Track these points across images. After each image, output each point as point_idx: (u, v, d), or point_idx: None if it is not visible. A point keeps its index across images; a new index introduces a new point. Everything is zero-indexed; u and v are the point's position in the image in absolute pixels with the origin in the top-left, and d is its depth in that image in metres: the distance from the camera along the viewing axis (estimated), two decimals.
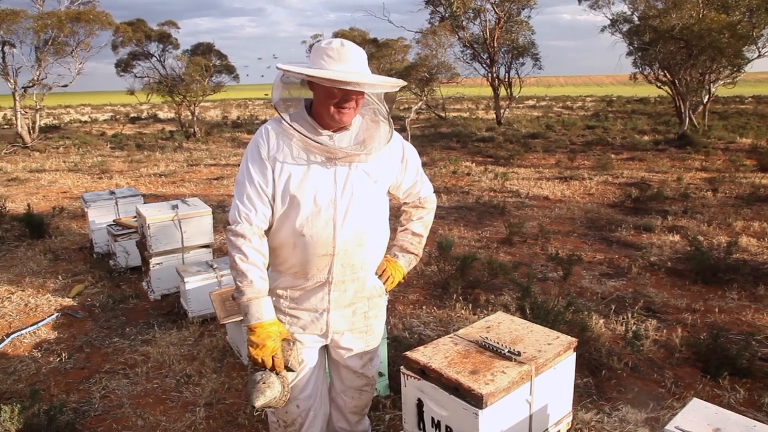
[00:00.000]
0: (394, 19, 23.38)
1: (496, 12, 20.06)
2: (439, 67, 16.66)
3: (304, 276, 1.92)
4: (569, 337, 2.05)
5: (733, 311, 4.21)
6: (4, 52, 17.24)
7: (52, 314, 4.42)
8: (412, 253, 2.22)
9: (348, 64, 1.77)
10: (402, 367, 1.98)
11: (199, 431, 2.88)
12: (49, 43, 17.36)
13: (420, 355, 1.94)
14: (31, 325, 4.23)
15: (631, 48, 16.85)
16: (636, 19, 16.70)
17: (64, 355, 3.75)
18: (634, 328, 3.72)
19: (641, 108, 31.16)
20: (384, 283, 2.10)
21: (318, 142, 1.82)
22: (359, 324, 2.05)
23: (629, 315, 4.03)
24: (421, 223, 2.24)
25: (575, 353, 2.05)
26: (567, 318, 3.56)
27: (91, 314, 4.45)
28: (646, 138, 16.05)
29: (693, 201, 8.03)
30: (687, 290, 4.68)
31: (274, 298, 1.97)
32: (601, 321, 3.93)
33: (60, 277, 5.28)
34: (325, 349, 2.14)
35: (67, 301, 4.70)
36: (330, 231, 1.86)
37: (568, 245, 6.06)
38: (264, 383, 1.78)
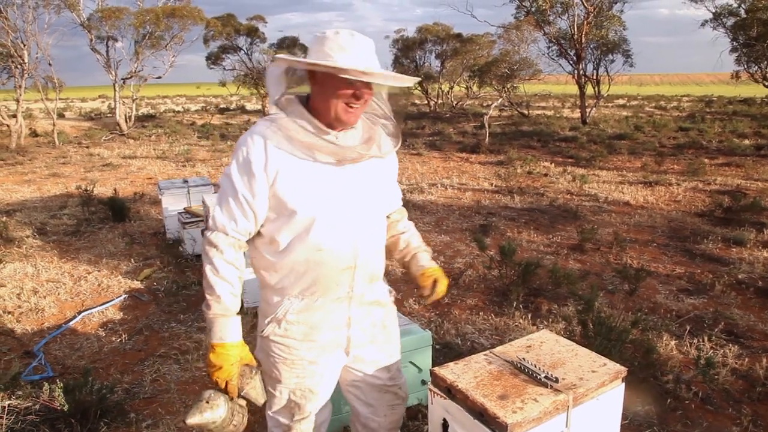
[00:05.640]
0: (479, 14, 22.88)
1: (585, 6, 19.13)
2: (520, 64, 16.09)
3: (321, 294, 1.75)
4: (618, 365, 1.84)
5: None
6: (108, 46, 18.62)
7: (121, 296, 4.65)
8: (426, 250, 2.06)
9: (362, 57, 1.61)
10: (430, 382, 1.85)
11: None
12: (147, 38, 18.53)
13: (448, 372, 1.80)
14: (101, 305, 4.46)
15: (735, 44, 15.51)
16: (743, 12, 15.35)
17: (124, 336, 3.92)
18: (709, 353, 3.36)
19: (744, 109, 28.62)
20: (435, 291, 1.94)
21: (331, 142, 1.67)
22: (379, 335, 1.93)
23: (706, 338, 3.65)
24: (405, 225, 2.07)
25: (624, 383, 1.84)
26: (633, 337, 3.28)
27: (156, 298, 4.63)
28: (746, 142, 14.75)
29: None
30: None
31: (284, 327, 1.77)
32: (673, 342, 3.59)
33: (133, 260, 5.55)
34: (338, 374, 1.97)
35: (136, 284, 4.92)
36: (353, 241, 1.73)
37: (645, 255, 5.63)
38: (208, 402, 1.64)
